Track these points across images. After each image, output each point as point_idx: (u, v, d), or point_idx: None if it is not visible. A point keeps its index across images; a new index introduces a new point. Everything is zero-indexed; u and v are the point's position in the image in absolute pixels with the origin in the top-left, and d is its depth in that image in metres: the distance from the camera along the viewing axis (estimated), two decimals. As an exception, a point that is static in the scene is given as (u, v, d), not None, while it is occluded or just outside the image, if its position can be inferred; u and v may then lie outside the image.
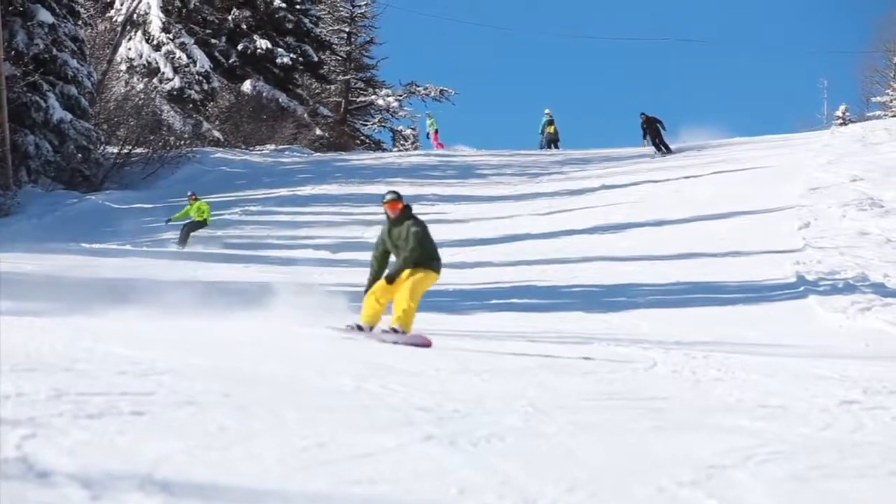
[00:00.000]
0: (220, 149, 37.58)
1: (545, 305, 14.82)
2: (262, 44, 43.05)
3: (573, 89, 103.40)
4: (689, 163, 31.98)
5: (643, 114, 34.83)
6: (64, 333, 8.81)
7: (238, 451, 5.16)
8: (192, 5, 39.24)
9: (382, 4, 58.83)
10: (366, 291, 10.52)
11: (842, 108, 58.09)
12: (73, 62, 29.35)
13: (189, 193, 23.36)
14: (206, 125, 38.60)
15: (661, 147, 34.86)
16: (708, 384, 8.28)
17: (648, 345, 10.70)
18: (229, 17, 43.17)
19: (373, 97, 50.86)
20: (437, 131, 30.50)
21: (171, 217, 23.05)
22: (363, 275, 10.25)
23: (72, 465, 4.64)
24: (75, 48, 29.84)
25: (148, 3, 38.12)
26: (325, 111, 47.08)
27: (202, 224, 22.50)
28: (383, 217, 10.60)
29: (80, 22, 31.67)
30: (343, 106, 50.00)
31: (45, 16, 28.62)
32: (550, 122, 40.69)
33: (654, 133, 34.94)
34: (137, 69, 37.80)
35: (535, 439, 5.90)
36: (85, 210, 26.12)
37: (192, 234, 22.25)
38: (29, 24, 28.42)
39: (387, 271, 10.39)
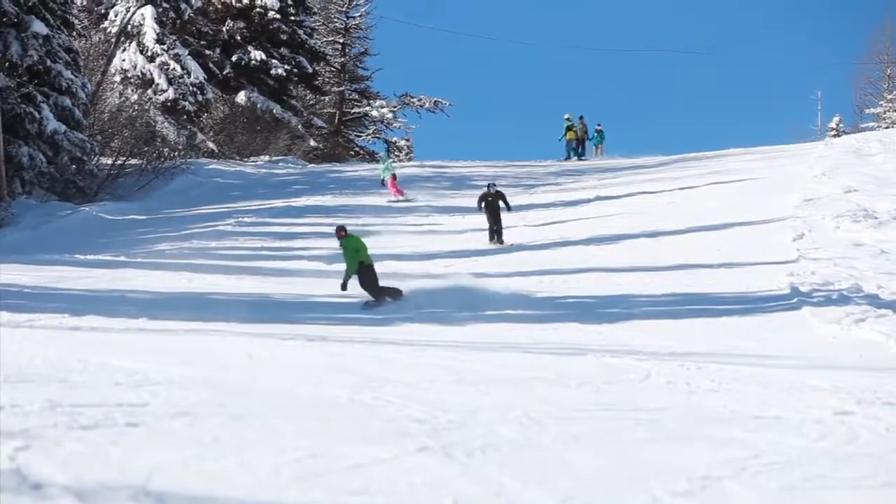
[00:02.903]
0: (215, 160, 37.58)
1: (540, 316, 14.80)
2: (257, 55, 43.09)
3: (569, 100, 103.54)
4: (684, 174, 32.02)
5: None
6: (58, 345, 8.80)
7: (232, 462, 5.16)
8: (186, 17, 39.21)
9: (377, 16, 58.91)
10: None
11: (835, 119, 58.27)
12: (68, 73, 29.33)
13: (337, 230, 16.99)
14: (200, 136, 38.59)
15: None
16: (702, 395, 8.28)
17: (643, 356, 10.69)
18: (224, 29, 43.21)
19: (367, 108, 50.88)
20: (394, 176, 30.00)
21: (344, 281, 16.18)
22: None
23: (66, 477, 4.64)
24: (69, 59, 29.82)
25: (142, 15, 38.12)
26: (320, 122, 47.10)
27: (364, 267, 16.23)
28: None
29: (74, 33, 31.65)
30: (337, 117, 50.02)
31: (39, 27, 28.60)
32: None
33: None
34: (132, 80, 37.81)
35: (530, 450, 5.91)
36: (79, 221, 26.08)
37: (377, 283, 16.20)
38: (23, 35, 28.39)
39: None
